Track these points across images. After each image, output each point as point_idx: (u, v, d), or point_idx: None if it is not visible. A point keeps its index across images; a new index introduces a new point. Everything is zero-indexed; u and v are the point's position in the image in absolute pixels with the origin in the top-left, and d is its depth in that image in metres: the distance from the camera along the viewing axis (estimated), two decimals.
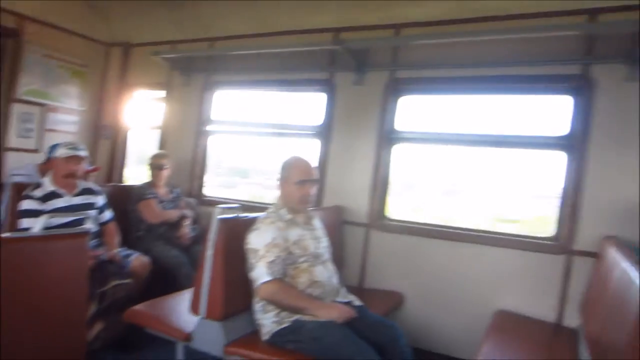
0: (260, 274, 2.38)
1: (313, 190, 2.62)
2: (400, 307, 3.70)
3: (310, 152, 4.13)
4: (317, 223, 2.77)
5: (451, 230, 3.69)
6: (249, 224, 2.56)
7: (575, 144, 3.28)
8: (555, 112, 3.51)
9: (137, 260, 3.44)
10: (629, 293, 1.87)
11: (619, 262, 2.27)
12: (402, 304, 3.70)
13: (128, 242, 3.82)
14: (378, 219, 3.90)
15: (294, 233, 2.53)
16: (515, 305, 3.36)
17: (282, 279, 2.41)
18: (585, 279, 3.09)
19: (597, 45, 3.21)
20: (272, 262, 2.38)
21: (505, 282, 3.42)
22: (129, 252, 3.53)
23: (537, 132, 3.51)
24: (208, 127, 4.78)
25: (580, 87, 3.28)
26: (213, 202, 3.98)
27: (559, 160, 3.38)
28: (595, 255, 3.04)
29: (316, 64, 4.14)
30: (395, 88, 3.89)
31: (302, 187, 2.55)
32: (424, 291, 3.66)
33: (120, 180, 5.37)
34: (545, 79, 3.41)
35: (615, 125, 3.15)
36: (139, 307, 2.82)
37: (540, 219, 4.14)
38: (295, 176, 2.55)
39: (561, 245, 3.29)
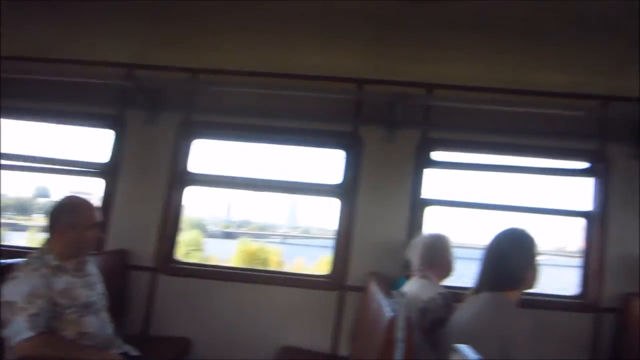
0: (19, 329, 2.10)
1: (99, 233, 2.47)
2: (188, 353, 3.62)
3: (91, 191, 3.85)
4: (92, 269, 2.58)
5: (237, 271, 3.88)
6: (6, 272, 2.25)
7: (346, 191, 3.78)
8: (332, 163, 4.00)
9: None
10: (381, 320, 2.14)
11: (376, 294, 2.64)
12: (189, 350, 3.63)
13: None
14: (166, 262, 3.80)
15: (61, 281, 2.31)
16: (297, 340, 3.61)
17: (47, 332, 2.16)
18: (354, 311, 3.52)
19: (364, 109, 3.79)
20: (34, 314, 2.12)
21: (288, 319, 3.65)
22: None
23: (316, 180, 3.96)
24: None
25: (350, 143, 3.82)
26: None
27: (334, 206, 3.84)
28: (362, 290, 3.47)
29: (104, 99, 3.93)
30: (189, 130, 3.92)
31: (92, 231, 2.39)
32: (212, 334, 3.65)
33: None
34: (323, 133, 3.88)
35: (381, 176, 3.75)
36: None
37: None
38: (85, 220, 2.39)
39: (335, 282, 3.69)
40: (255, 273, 3.84)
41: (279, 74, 3.72)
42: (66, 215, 2.41)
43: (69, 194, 2.53)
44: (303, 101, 3.72)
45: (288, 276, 3.82)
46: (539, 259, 2.26)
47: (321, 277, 3.80)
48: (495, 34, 3.42)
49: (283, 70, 3.73)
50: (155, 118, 3.89)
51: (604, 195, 3.80)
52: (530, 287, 2.25)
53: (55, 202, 2.49)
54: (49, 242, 2.40)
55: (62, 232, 2.40)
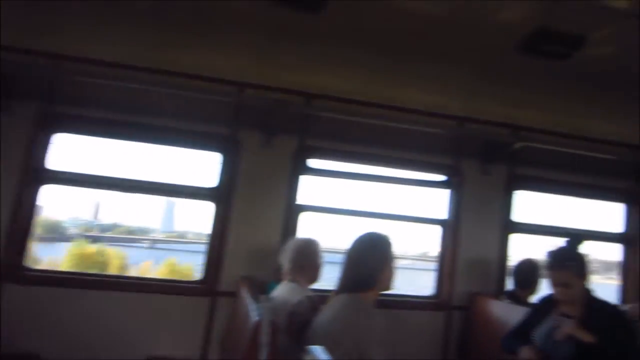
0: None
1: None
2: None
3: None
4: None
5: (98, 278, 3.61)
6: None
7: (222, 195, 3.74)
8: (208, 166, 4.00)
9: None
10: (248, 325, 2.19)
11: (246, 299, 2.67)
12: None
13: None
14: (14, 270, 3.38)
15: None
16: (166, 349, 3.46)
17: None
18: (227, 317, 3.48)
19: (243, 113, 3.76)
20: None
21: (155, 327, 3.49)
22: None
23: (191, 182, 3.86)
24: None
25: (228, 146, 3.79)
26: None
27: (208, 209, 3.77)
28: (234, 295, 3.43)
29: None
30: (49, 123, 3.55)
31: None
32: (68, 347, 3.32)
33: None
34: (200, 135, 3.79)
35: (258, 181, 3.79)
36: None
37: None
38: None
39: (207, 288, 3.62)
40: (118, 280, 3.64)
41: (153, 70, 3.50)
42: None
43: None
44: (180, 100, 3.60)
45: (157, 283, 3.67)
46: (394, 261, 2.43)
47: (193, 284, 3.71)
48: (372, 51, 3.66)
49: (160, 66, 3.53)
50: (9, 108, 3.43)
51: (457, 205, 4.28)
52: (387, 288, 2.41)
53: None
54: None
55: None
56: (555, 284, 2.81)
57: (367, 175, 4.20)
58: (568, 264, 2.76)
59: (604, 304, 2.75)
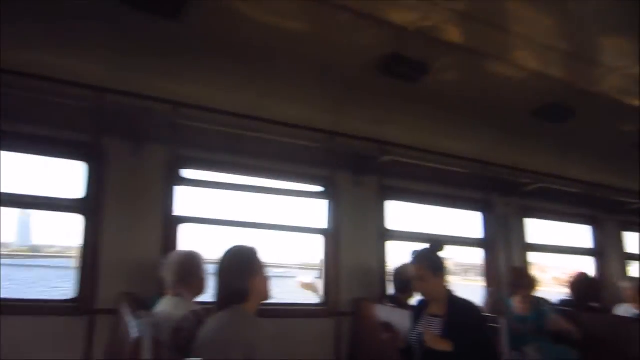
0: None
1: None
2: None
3: None
4: None
5: None
6: None
7: (90, 207, 3.59)
8: (73, 176, 3.73)
9: None
10: (129, 340, 2.09)
11: (126, 316, 2.60)
12: None
13: None
14: None
15: None
16: None
17: None
18: (107, 336, 3.27)
19: (106, 119, 3.64)
20: None
21: (27, 351, 3.18)
22: None
23: (52, 193, 3.64)
24: None
25: (92, 155, 3.65)
26: None
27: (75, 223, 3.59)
28: (114, 312, 3.22)
29: None
30: None
31: None
32: None
33: None
34: (58, 142, 3.60)
35: (130, 192, 3.69)
36: None
37: None
38: None
39: (82, 306, 3.41)
40: None
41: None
42: None
43: None
44: (35, 104, 3.38)
45: (23, 304, 3.40)
46: (264, 270, 2.53)
47: (63, 302, 3.47)
48: (237, 62, 3.75)
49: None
50: None
51: (335, 215, 4.54)
52: (264, 297, 2.54)
53: None
54: None
55: None
56: (413, 277, 3.29)
57: (244, 185, 4.30)
58: (421, 259, 3.23)
59: (464, 302, 3.18)
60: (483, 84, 4.16)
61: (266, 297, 2.55)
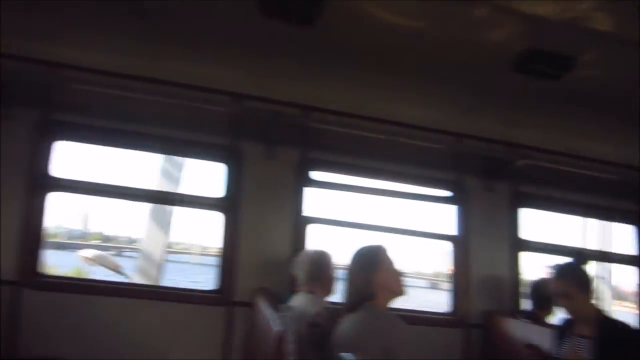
0: None
1: None
2: None
3: None
4: None
5: (113, 285, 3.73)
6: None
7: (229, 205, 3.88)
8: (214, 176, 4.14)
9: None
10: (270, 335, 2.24)
11: (265, 310, 2.77)
12: None
13: None
14: (31, 276, 3.48)
15: None
16: (184, 356, 3.54)
17: None
18: (243, 327, 3.57)
19: (244, 124, 3.89)
20: None
21: (173, 336, 3.56)
22: None
23: (198, 192, 4.02)
24: None
25: (231, 157, 3.94)
26: None
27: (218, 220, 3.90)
28: (250, 305, 3.52)
29: None
30: (49, 130, 3.64)
31: None
32: (87, 354, 3.38)
33: None
34: (202, 145, 3.95)
35: (264, 192, 3.92)
36: None
37: None
38: None
39: (222, 297, 3.71)
40: (135, 287, 3.83)
41: (152, 79, 3.56)
42: None
43: None
44: (181, 110, 3.69)
45: (171, 291, 3.79)
46: (391, 265, 2.51)
47: (208, 293, 3.81)
48: (368, 67, 3.79)
49: (160, 76, 3.58)
50: (7, 115, 3.52)
51: (465, 221, 4.37)
52: (395, 292, 2.51)
53: None
54: None
55: None
56: (555, 292, 2.98)
57: (372, 188, 4.32)
58: (567, 274, 2.94)
59: (619, 323, 2.84)
60: (635, 78, 3.67)
61: (397, 292, 2.53)
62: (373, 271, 2.46)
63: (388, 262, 2.53)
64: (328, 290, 3.20)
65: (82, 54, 3.49)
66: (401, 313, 3.74)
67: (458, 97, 4.07)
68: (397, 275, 2.54)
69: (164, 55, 3.62)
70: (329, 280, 3.21)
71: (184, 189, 4.00)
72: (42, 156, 3.61)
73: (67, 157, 3.79)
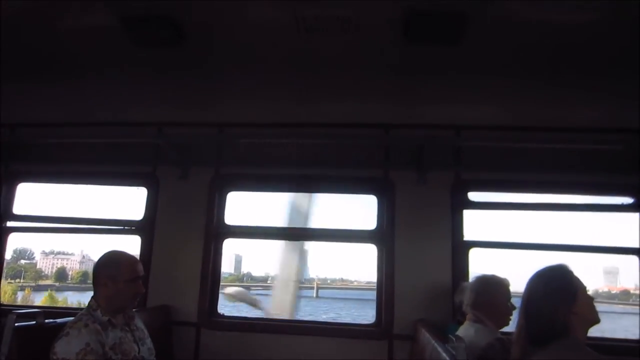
0: None
1: (142, 287, 2.59)
2: None
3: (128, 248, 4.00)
4: (139, 323, 2.68)
5: (281, 323, 3.97)
6: (55, 331, 2.34)
7: (383, 237, 3.86)
8: (365, 209, 4.11)
9: None
10: None
11: (430, 342, 2.66)
12: None
13: None
14: (209, 317, 3.87)
15: (112, 336, 2.41)
16: None
17: None
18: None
19: (392, 153, 3.92)
20: None
21: None
22: None
23: (352, 226, 4.08)
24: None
25: (382, 188, 3.94)
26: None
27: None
28: (411, 338, 3.48)
29: (138, 157, 4.13)
30: (221, 184, 4.09)
31: (134, 284, 2.52)
32: None
33: None
34: (354, 180, 4.03)
35: (418, 220, 3.81)
36: None
37: None
38: (125, 273, 2.51)
39: (382, 331, 3.69)
40: (300, 325, 3.93)
41: (300, 124, 3.94)
42: (107, 268, 2.53)
43: (111, 249, 2.62)
44: (332, 149, 3.92)
45: (334, 327, 3.90)
46: (583, 291, 2.11)
47: (367, 327, 3.82)
48: (518, 75, 3.63)
49: (304, 120, 3.94)
50: (188, 173, 4.07)
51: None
52: (592, 322, 2.10)
53: (101, 258, 2.58)
54: (95, 297, 2.50)
55: (103, 285, 2.50)
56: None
57: (537, 204, 3.96)
58: None
59: None
60: None
61: (594, 321, 2.11)
62: (571, 300, 2.06)
63: (583, 288, 2.13)
64: (499, 321, 2.85)
65: (238, 112, 4.04)
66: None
67: (626, 88, 3.56)
68: (592, 300, 2.14)
69: (308, 99, 3.96)
70: (500, 309, 2.86)
71: (314, 223, 4.07)
72: (217, 207, 4.06)
73: (235, 206, 4.20)
